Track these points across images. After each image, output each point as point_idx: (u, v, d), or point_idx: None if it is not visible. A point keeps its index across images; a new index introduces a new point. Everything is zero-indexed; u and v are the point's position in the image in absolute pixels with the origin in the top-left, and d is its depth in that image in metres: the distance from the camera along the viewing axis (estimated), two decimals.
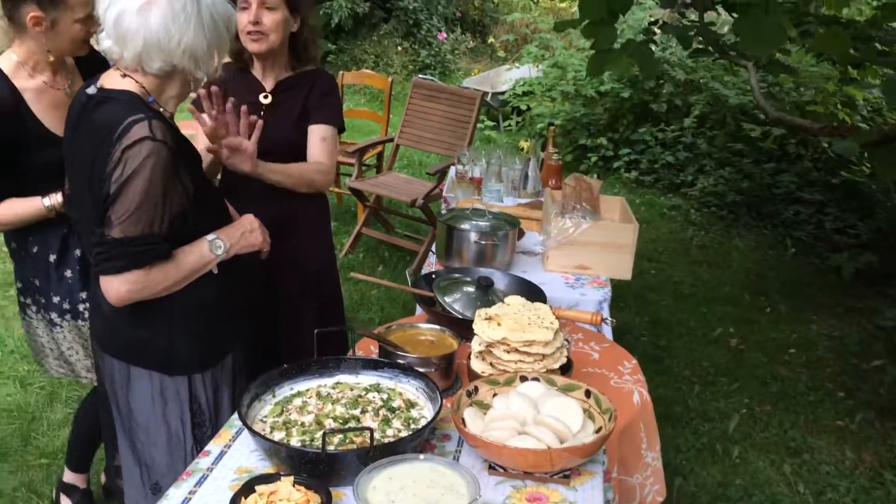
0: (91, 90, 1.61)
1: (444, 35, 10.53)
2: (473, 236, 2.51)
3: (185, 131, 1.73)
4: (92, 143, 1.54)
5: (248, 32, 2.20)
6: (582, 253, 2.60)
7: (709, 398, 3.54)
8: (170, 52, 1.57)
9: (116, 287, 1.55)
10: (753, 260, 5.31)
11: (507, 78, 8.75)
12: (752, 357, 3.96)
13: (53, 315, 2.13)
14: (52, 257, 2.08)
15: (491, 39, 11.28)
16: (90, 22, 1.92)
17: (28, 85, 1.96)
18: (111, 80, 1.62)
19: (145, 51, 1.55)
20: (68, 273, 2.09)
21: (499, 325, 1.70)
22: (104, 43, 1.60)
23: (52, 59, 1.96)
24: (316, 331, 1.66)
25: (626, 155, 6.95)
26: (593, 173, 6.94)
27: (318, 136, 2.31)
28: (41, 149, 1.95)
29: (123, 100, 1.56)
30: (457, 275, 2.25)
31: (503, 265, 2.53)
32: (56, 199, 1.99)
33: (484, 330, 1.70)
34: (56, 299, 2.10)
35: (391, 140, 5.22)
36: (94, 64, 1.99)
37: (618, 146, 7.07)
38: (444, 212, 3.00)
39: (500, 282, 2.26)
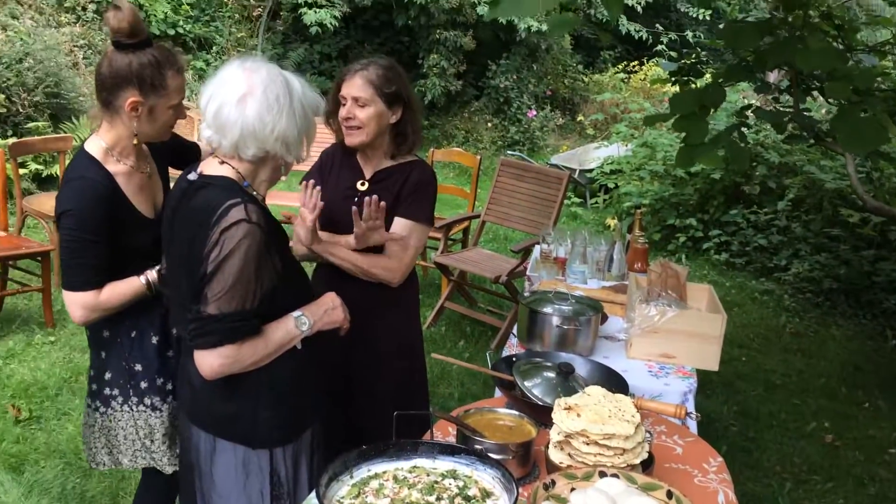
0: (192, 176, 1.73)
1: (534, 112, 10.70)
2: (556, 320, 2.50)
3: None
4: (192, 224, 1.64)
5: (345, 126, 2.29)
6: (667, 341, 2.55)
7: (801, 497, 3.35)
8: (264, 140, 1.67)
9: (210, 361, 1.62)
10: (851, 351, 5.06)
11: (595, 156, 8.79)
12: (848, 455, 3.74)
13: (155, 399, 2.12)
14: (155, 339, 2.11)
15: (580, 117, 11.39)
16: (181, 109, 2.03)
17: (118, 169, 2.01)
18: (210, 167, 1.73)
19: (242, 139, 1.67)
20: (170, 353, 2.11)
21: (578, 415, 1.68)
22: (205, 133, 1.72)
23: (136, 143, 2.02)
24: (396, 413, 1.68)
25: (716, 236, 6.82)
26: (681, 254, 6.82)
27: (398, 232, 2.32)
28: (134, 232, 2.02)
29: (221, 185, 1.67)
30: (538, 359, 2.24)
31: (585, 350, 2.51)
32: (151, 274, 2.03)
33: (563, 420, 1.69)
34: (160, 381, 2.11)
35: (477, 216, 5.29)
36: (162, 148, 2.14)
37: (708, 227, 6.94)
38: (526, 293, 3.01)
39: (581, 368, 2.23)
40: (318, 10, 9.01)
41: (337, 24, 9.18)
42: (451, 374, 4.30)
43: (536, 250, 3.73)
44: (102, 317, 2.02)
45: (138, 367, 2.10)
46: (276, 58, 10.18)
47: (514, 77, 10.79)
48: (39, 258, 4.46)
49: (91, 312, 1.98)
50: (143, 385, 2.11)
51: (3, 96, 6.53)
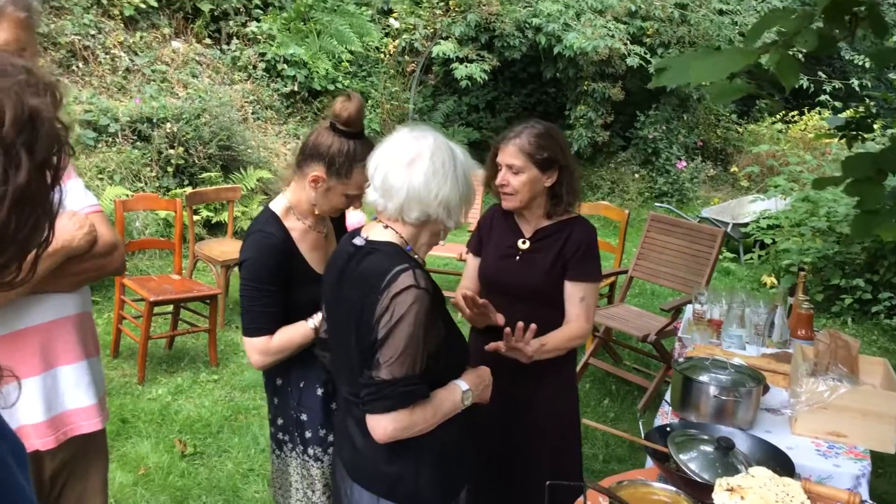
0: (358, 241, 1.80)
1: (684, 163, 10.43)
2: (713, 390, 2.39)
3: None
4: (361, 289, 1.70)
5: (501, 192, 2.37)
6: (836, 419, 2.37)
7: None
8: (428, 204, 1.73)
9: (384, 425, 1.66)
10: None
11: (750, 209, 8.42)
12: None
13: (317, 450, 2.20)
14: (320, 391, 2.20)
15: (733, 169, 10.99)
16: (356, 199, 2.15)
17: (295, 226, 2.15)
18: (375, 231, 1.80)
19: (407, 202, 1.73)
20: (333, 405, 2.18)
21: (742, 498, 1.60)
22: (371, 196, 1.80)
23: (315, 211, 2.17)
24: (548, 483, 1.66)
25: (887, 299, 6.31)
26: (847, 317, 6.37)
27: (577, 296, 2.37)
28: (305, 285, 2.13)
29: (388, 250, 1.73)
30: (694, 430, 2.15)
31: (745, 423, 2.38)
32: (317, 319, 2.12)
33: (725, 503, 1.61)
34: (322, 432, 2.20)
35: (625, 272, 5.19)
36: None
37: (877, 289, 6.45)
38: (679, 356, 2.91)
39: (741, 443, 2.12)
40: (468, 64, 9.26)
41: (486, 78, 9.40)
42: (594, 433, 4.19)
43: (688, 310, 3.60)
44: (277, 361, 2.14)
45: (304, 417, 2.20)
46: (426, 109, 10.56)
47: (664, 127, 10.59)
48: (208, 301, 4.79)
49: (265, 357, 2.11)
50: (308, 434, 2.20)
51: (182, 149, 7.13)
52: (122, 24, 8.10)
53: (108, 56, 7.75)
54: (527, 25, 9.68)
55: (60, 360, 1.86)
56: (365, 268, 1.72)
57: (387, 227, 1.78)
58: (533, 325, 2.17)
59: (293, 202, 2.16)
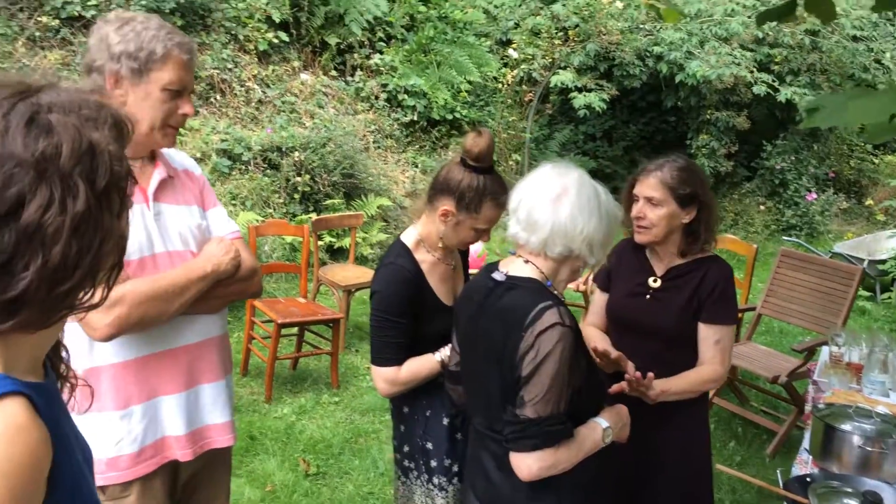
0: (498, 276, 1.81)
1: (814, 195, 9.95)
2: (857, 440, 2.27)
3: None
4: (503, 325, 1.71)
5: (637, 225, 2.33)
6: None
7: None
8: (572, 239, 1.72)
9: (529, 464, 1.66)
10: None
11: (888, 245, 7.93)
12: None
13: (441, 480, 2.23)
14: (446, 420, 2.22)
15: (868, 202, 10.39)
16: (484, 233, 2.18)
17: (425, 258, 2.21)
18: (515, 266, 1.80)
19: (551, 237, 1.73)
20: (458, 436, 2.22)
21: None
22: (512, 229, 1.81)
23: (441, 245, 2.21)
24: None
25: None
26: None
27: (712, 339, 2.30)
28: (433, 317, 2.18)
29: (530, 286, 1.74)
30: (837, 483, 2.05)
31: (892, 477, 2.23)
32: (445, 352, 2.15)
33: None
34: (447, 462, 2.23)
35: (753, 309, 4.99)
36: None
37: None
38: (818, 402, 2.78)
39: (889, 498, 2.00)
40: (587, 93, 9.22)
41: (604, 107, 9.33)
42: (720, 476, 4.03)
43: (824, 352, 3.43)
44: (403, 391, 2.19)
45: (430, 446, 2.23)
46: (542, 138, 10.57)
47: (792, 157, 10.15)
48: (331, 324, 4.95)
49: (392, 387, 2.17)
50: (434, 464, 2.23)
51: (308, 176, 7.44)
52: (256, 59, 8.55)
53: (242, 88, 8.20)
54: (647, 54, 9.55)
55: (203, 379, 1.98)
56: (507, 303, 1.73)
57: (527, 261, 1.78)
58: (650, 374, 2.13)
59: (423, 235, 2.21)
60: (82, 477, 1.02)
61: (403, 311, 2.13)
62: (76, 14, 7.11)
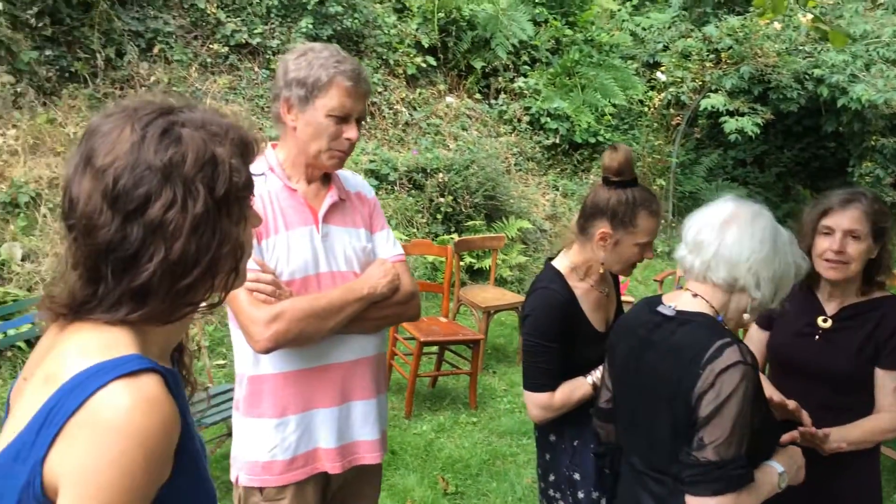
0: (665, 310, 1.74)
1: None
2: None
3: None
4: (675, 362, 1.64)
5: (827, 259, 2.16)
6: None
7: None
8: (736, 266, 1.65)
9: None
10: None
11: None
12: None
13: None
14: (575, 442, 2.18)
15: None
16: (647, 248, 2.12)
17: (578, 286, 2.16)
18: (683, 301, 1.73)
19: (714, 260, 1.66)
20: (607, 470, 2.16)
21: None
22: (679, 252, 1.76)
23: (602, 270, 2.17)
24: None
25: None
26: None
27: (891, 385, 2.13)
28: (586, 344, 2.14)
29: (704, 322, 1.67)
30: None
31: None
32: (596, 375, 2.11)
33: None
34: (595, 494, 2.18)
35: None
36: None
37: None
38: None
39: None
40: (739, 117, 8.87)
41: (757, 131, 8.94)
42: None
43: None
44: (556, 416, 2.15)
45: (577, 476, 2.19)
46: (688, 163, 10.25)
47: None
48: (471, 345, 4.99)
49: (547, 412, 2.13)
50: (581, 495, 2.19)
51: (451, 198, 7.57)
52: (404, 82, 8.83)
53: (391, 111, 8.48)
54: (807, 77, 9.08)
55: (355, 396, 2.04)
56: (680, 339, 1.66)
57: (696, 295, 1.72)
58: (827, 430, 2.01)
59: (576, 263, 2.18)
60: (200, 461, 1.11)
61: (556, 335, 2.11)
62: (243, 41, 7.61)
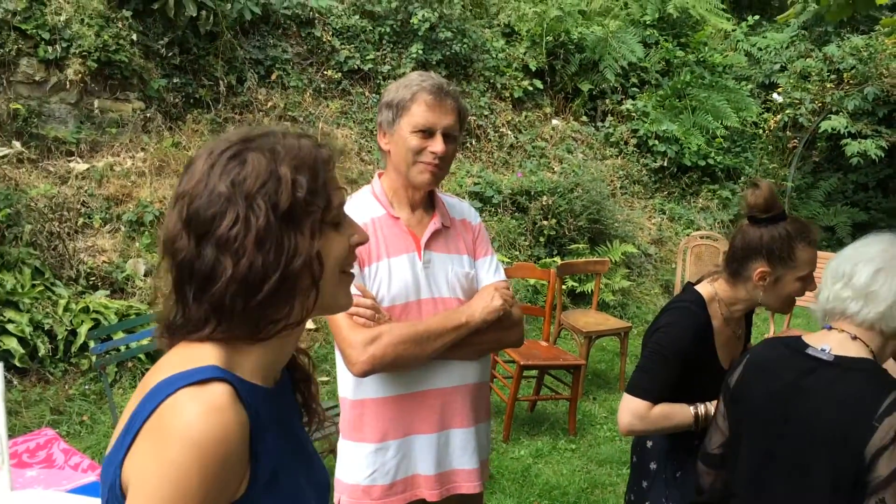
0: (821, 355, 1.66)
1: None
2: None
3: None
4: (840, 412, 1.57)
5: None
6: None
7: None
8: None
9: None
10: None
11: None
12: None
13: None
14: (678, 473, 2.15)
15: None
16: (809, 280, 2.05)
17: (716, 316, 2.12)
18: (840, 344, 1.65)
19: (889, 309, 1.60)
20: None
21: None
22: (843, 293, 1.67)
23: (756, 310, 2.12)
24: None
25: None
26: None
27: None
28: (706, 376, 2.08)
29: (868, 369, 1.60)
30: None
31: None
32: (703, 408, 2.04)
33: None
34: None
35: None
36: None
37: None
38: None
39: None
40: (862, 140, 8.45)
41: (882, 155, 8.49)
42: None
43: None
44: (644, 432, 2.10)
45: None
46: (804, 187, 9.83)
47: None
48: (572, 370, 4.95)
49: (638, 421, 2.05)
50: None
51: (554, 221, 7.55)
52: (510, 105, 8.90)
53: (496, 134, 8.56)
54: None
55: (454, 423, 2.06)
56: (844, 389, 1.58)
57: (855, 338, 1.64)
58: None
59: (721, 297, 2.13)
60: (294, 484, 1.12)
61: (682, 353, 2.05)
62: (356, 67, 7.89)
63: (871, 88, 8.61)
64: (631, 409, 2.06)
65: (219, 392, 0.99)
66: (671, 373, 2.05)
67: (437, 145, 1.97)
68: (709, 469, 1.92)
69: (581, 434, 4.90)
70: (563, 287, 7.01)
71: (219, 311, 1.04)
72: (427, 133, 1.96)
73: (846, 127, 8.52)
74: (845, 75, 8.86)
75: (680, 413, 2.06)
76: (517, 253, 7.35)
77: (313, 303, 1.11)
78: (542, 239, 7.53)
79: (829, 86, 8.99)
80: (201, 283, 1.04)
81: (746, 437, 1.78)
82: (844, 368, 1.60)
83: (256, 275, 1.03)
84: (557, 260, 7.12)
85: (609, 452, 4.62)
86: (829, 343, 1.66)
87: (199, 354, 1.05)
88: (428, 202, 2.10)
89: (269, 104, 7.28)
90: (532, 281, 6.97)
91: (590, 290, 6.82)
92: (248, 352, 1.08)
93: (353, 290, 1.90)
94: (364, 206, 2.06)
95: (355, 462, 2.02)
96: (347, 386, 2.04)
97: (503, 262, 6.71)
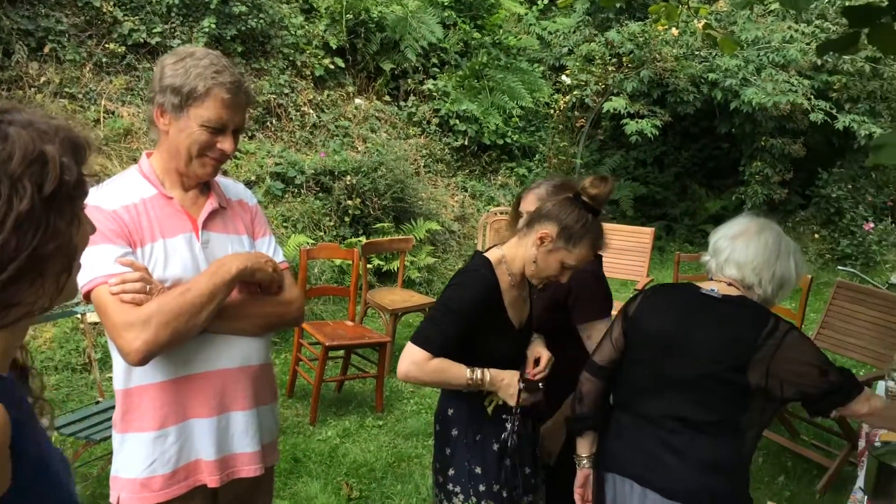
0: (711, 293, 2.13)
1: (871, 225, 9.68)
2: None
3: None
4: (732, 326, 2.04)
5: None
6: None
7: None
8: (742, 267, 2.14)
9: (870, 403, 2.00)
10: None
11: None
12: None
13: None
14: (496, 446, 2.23)
15: None
16: (566, 273, 2.20)
17: (503, 279, 2.21)
18: (723, 289, 2.13)
19: (726, 262, 2.16)
20: (507, 462, 2.22)
21: None
22: (704, 257, 2.25)
23: (526, 271, 2.22)
24: None
25: None
26: None
27: None
28: (497, 335, 2.20)
29: (749, 304, 2.09)
30: None
31: None
32: (479, 375, 2.13)
33: None
34: (495, 488, 2.22)
35: None
36: None
37: None
38: (876, 441, 2.71)
39: None
40: (639, 120, 9.18)
41: (656, 133, 9.27)
42: None
43: (880, 387, 3.35)
44: (417, 382, 2.17)
45: (478, 470, 2.23)
46: (592, 163, 10.53)
47: (849, 186, 9.93)
48: (377, 348, 5.00)
49: (414, 368, 2.11)
50: (482, 488, 2.23)
51: (359, 200, 7.55)
52: (311, 84, 8.75)
53: (298, 113, 8.39)
54: (702, 80, 9.47)
55: (234, 406, 1.99)
56: (732, 317, 2.06)
57: (730, 284, 2.14)
58: None
59: (508, 256, 2.24)
60: (54, 475, 1.08)
61: (470, 311, 2.13)
62: (141, 41, 7.39)
63: (647, 72, 9.35)
64: (412, 358, 2.12)
65: None
66: (457, 327, 2.12)
67: (228, 143, 1.91)
68: (591, 377, 2.26)
69: (388, 410, 4.97)
70: (370, 266, 7.04)
71: None
72: (217, 130, 1.89)
73: (626, 107, 9.19)
74: (624, 59, 9.55)
75: (455, 371, 2.13)
76: (322, 234, 7.28)
77: (64, 286, 1.06)
78: (346, 219, 7.50)
79: (610, 69, 9.65)
80: None
81: (642, 356, 2.16)
82: (729, 303, 2.08)
83: (3, 256, 0.97)
84: (363, 239, 7.14)
85: (415, 426, 4.72)
86: (716, 287, 2.14)
87: None
88: (203, 183, 2.01)
89: (43, 79, 6.65)
90: (338, 261, 6.94)
91: (395, 269, 6.90)
92: None
93: (119, 267, 1.78)
94: (132, 185, 1.93)
95: (132, 454, 1.90)
96: (119, 376, 1.91)
97: (307, 243, 6.61)
